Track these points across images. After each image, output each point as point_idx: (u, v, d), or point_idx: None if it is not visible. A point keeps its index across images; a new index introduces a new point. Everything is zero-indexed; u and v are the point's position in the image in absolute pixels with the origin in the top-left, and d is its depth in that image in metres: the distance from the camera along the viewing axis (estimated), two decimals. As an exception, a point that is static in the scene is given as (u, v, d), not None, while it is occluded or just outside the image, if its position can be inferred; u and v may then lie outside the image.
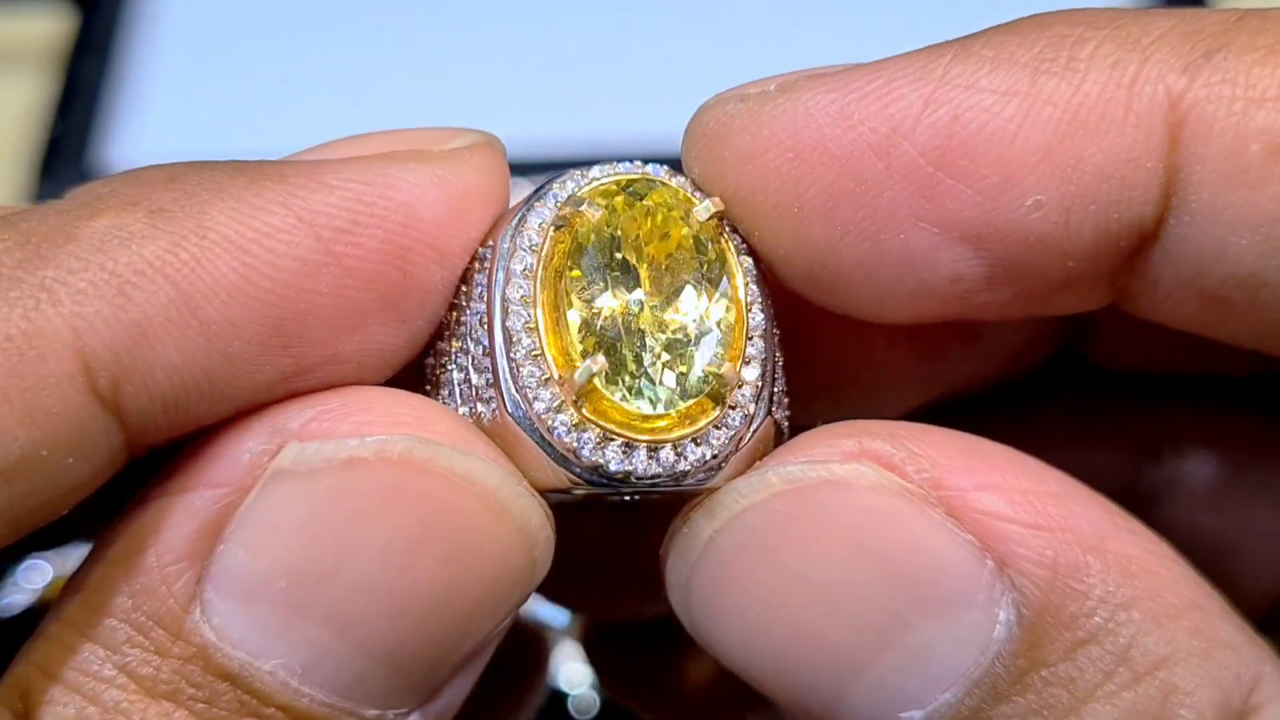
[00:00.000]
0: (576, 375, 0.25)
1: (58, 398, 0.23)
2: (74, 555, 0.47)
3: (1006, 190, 0.25)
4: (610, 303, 0.26)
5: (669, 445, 0.26)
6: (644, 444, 0.26)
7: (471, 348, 0.27)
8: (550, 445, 0.25)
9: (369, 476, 0.24)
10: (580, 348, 0.26)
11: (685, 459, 0.26)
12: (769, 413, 0.27)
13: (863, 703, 0.25)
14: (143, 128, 0.78)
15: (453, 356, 0.27)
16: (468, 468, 0.24)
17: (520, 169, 0.80)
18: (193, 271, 0.24)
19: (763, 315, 0.27)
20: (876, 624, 0.24)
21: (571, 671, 0.55)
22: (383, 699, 0.25)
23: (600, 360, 0.25)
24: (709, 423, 0.26)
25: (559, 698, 0.54)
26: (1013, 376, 0.36)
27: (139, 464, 0.26)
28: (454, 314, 0.28)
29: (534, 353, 0.26)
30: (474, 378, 0.27)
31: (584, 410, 0.25)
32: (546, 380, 0.26)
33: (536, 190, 0.27)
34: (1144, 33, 0.25)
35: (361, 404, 0.25)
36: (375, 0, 0.86)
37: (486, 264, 0.27)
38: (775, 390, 0.28)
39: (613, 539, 0.36)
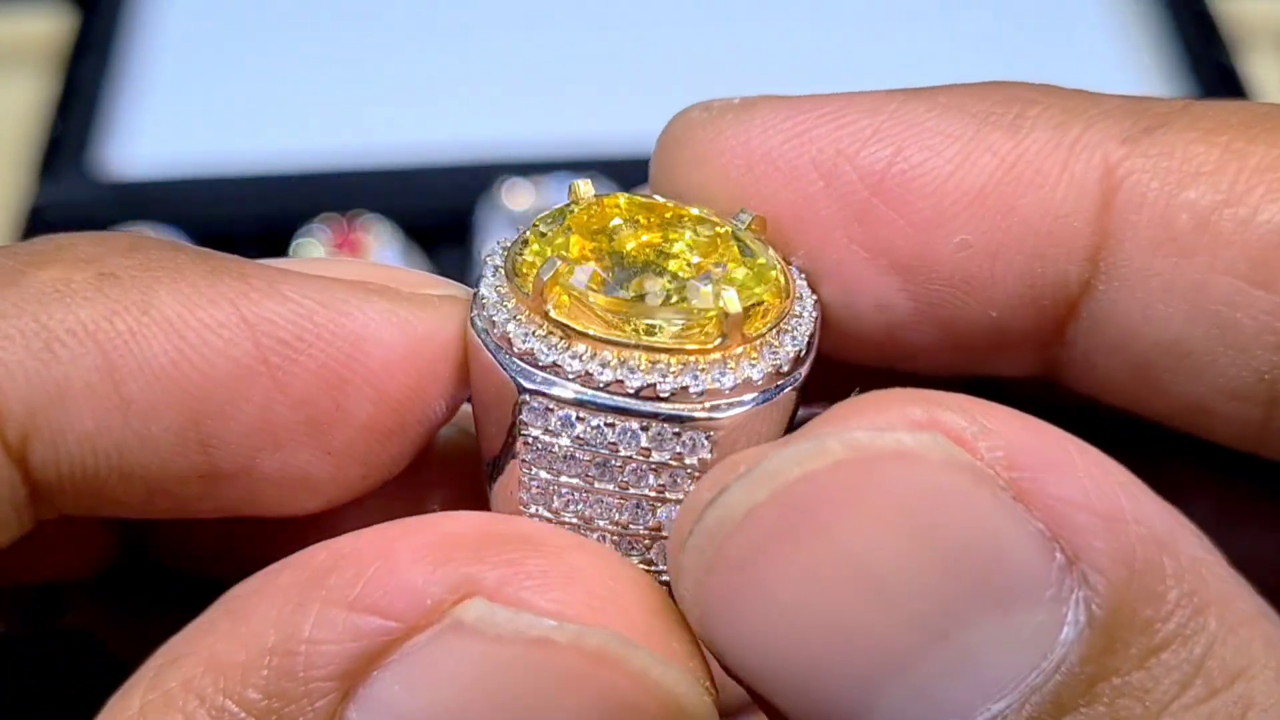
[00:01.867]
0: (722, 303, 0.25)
1: None
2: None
3: (937, 226, 0.26)
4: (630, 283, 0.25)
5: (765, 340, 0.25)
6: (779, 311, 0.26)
7: (627, 444, 0.25)
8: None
9: (558, 660, 0.23)
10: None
11: (804, 316, 0.26)
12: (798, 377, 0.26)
13: (896, 713, 0.22)
14: (142, 128, 0.78)
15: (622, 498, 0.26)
16: (661, 675, 0.24)
17: (521, 169, 0.80)
18: (125, 344, 0.24)
19: (816, 310, 0.27)
20: (929, 617, 0.22)
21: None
22: None
23: (650, 286, 0.25)
24: (792, 303, 0.26)
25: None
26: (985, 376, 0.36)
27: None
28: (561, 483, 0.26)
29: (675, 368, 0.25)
30: (659, 453, 0.25)
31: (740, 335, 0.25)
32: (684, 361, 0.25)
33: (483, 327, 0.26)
34: (1092, 105, 0.27)
35: (563, 575, 0.24)
36: (376, 1, 0.86)
37: (533, 398, 0.25)
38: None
39: None
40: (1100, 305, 0.26)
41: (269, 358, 0.25)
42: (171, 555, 0.32)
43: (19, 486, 0.24)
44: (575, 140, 0.74)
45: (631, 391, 0.24)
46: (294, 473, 0.26)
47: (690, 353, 0.25)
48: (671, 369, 0.25)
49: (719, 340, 0.25)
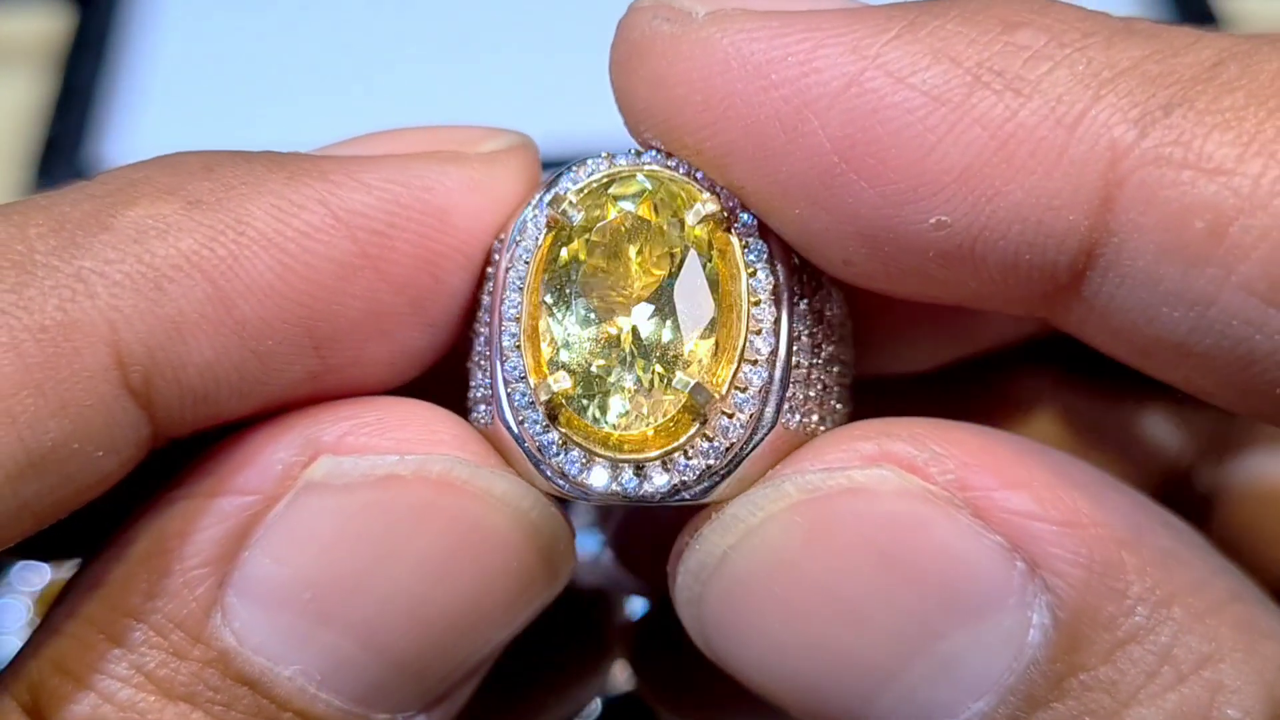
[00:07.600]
0: (539, 393, 0.24)
1: (91, 391, 0.23)
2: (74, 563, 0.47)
3: (912, 202, 0.23)
4: (576, 328, 0.25)
5: (656, 463, 0.24)
6: (628, 463, 0.24)
7: (479, 347, 0.26)
8: (539, 460, 0.25)
9: (406, 494, 0.24)
10: (546, 370, 0.25)
11: (676, 473, 0.24)
12: (777, 419, 0.25)
13: (891, 715, 0.24)
14: (139, 126, 0.78)
15: (477, 348, 0.27)
16: (504, 489, 0.24)
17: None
18: (229, 268, 0.24)
19: (779, 311, 0.25)
20: (905, 634, 0.24)
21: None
22: (396, 704, 0.25)
23: (561, 379, 0.24)
24: (694, 434, 0.24)
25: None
26: (994, 350, 0.35)
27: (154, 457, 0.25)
28: (479, 305, 0.27)
29: (519, 374, 0.25)
30: (477, 374, 0.26)
31: (562, 429, 0.24)
32: (532, 402, 0.25)
33: (544, 187, 0.27)
34: (1108, 63, 0.23)
35: (398, 419, 0.25)
36: (374, 1, 0.86)
37: (497, 260, 0.26)
38: (802, 394, 0.26)
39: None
40: (1097, 297, 0.24)
41: (367, 249, 0.25)
42: None
43: (144, 427, 0.24)
44: (575, 139, 0.74)
45: (497, 338, 0.25)
46: (401, 351, 0.26)
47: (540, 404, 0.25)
48: (530, 386, 0.25)
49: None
